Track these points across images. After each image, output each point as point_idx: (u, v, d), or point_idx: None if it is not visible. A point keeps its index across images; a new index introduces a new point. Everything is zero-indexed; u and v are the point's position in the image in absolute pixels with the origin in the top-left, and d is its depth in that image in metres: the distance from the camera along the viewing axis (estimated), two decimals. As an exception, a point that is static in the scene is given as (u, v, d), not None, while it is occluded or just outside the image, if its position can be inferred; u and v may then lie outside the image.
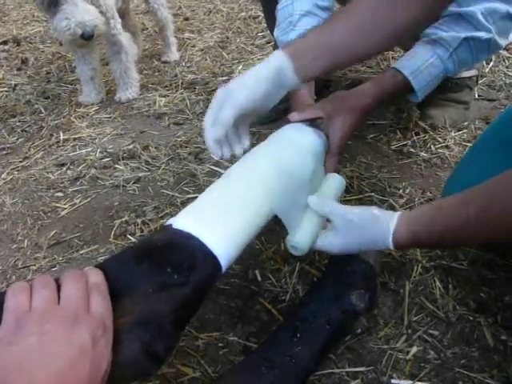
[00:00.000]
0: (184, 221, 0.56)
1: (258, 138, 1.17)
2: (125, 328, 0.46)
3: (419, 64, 0.89)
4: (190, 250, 0.52)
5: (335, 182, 0.72)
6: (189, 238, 0.53)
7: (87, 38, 1.20)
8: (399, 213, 0.60)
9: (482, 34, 0.88)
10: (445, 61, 0.89)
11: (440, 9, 0.73)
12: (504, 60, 1.42)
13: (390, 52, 1.54)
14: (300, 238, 0.63)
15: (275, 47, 1.24)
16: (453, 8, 0.89)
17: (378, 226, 0.60)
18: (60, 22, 1.18)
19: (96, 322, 0.44)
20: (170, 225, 0.56)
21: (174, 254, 0.52)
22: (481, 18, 0.86)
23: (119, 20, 1.44)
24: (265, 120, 1.24)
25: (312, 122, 0.75)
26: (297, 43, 0.70)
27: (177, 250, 0.52)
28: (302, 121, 0.74)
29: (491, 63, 1.40)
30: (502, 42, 0.91)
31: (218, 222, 0.57)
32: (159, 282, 0.49)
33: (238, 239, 0.58)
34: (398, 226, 0.59)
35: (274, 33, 0.99)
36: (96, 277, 0.48)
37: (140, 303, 0.48)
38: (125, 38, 1.45)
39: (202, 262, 0.52)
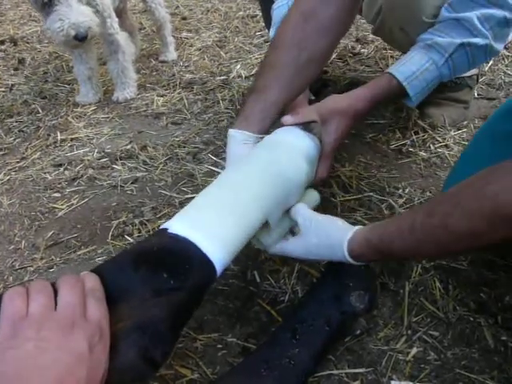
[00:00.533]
0: (179, 225, 0.57)
1: (256, 138, 1.17)
2: (122, 333, 0.46)
3: (414, 69, 0.89)
4: (186, 255, 0.53)
5: (311, 197, 0.73)
6: (184, 242, 0.54)
7: (80, 39, 1.19)
8: (358, 226, 0.63)
9: (479, 40, 0.87)
10: (440, 66, 0.89)
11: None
12: (503, 59, 1.42)
13: (389, 51, 1.54)
14: (266, 239, 0.67)
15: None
16: (449, 14, 0.88)
17: (336, 231, 0.63)
18: (53, 23, 1.17)
19: (93, 327, 0.44)
20: (166, 229, 0.56)
21: (169, 258, 0.52)
22: (477, 23, 0.86)
23: (116, 19, 1.43)
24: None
25: (305, 126, 0.74)
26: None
27: (172, 255, 0.52)
28: (296, 124, 0.74)
29: (491, 62, 1.39)
30: (499, 48, 0.90)
31: (212, 226, 0.58)
32: (155, 287, 0.49)
33: (232, 243, 0.58)
34: (354, 234, 0.61)
35: (270, 33, 0.99)
36: (92, 282, 0.48)
37: (136, 308, 0.48)
38: (122, 37, 1.44)
39: (197, 267, 0.53)
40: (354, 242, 0.60)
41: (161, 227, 0.58)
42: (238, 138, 0.74)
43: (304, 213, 0.66)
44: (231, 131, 0.76)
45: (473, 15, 0.86)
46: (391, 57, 1.50)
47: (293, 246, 0.66)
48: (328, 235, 0.62)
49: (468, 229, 0.49)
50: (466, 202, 0.49)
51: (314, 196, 0.74)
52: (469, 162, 0.76)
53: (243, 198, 0.62)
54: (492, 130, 0.74)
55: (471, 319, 0.67)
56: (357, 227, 0.62)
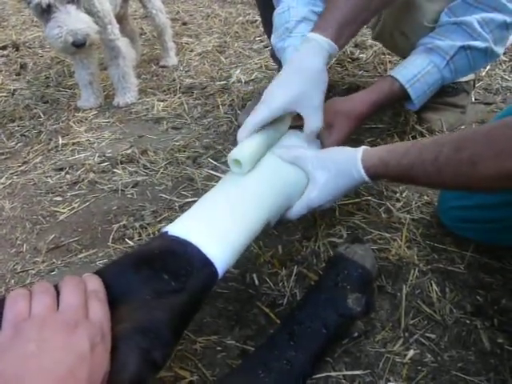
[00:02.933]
0: (181, 227, 0.57)
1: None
2: (123, 335, 0.46)
3: (416, 72, 0.90)
4: (187, 257, 0.53)
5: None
6: (186, 244, 0.54)
7: (78, 46, 1.20)
8: (364, 146, 0.64)
9: (479, 43, 0.88)
10: (441, 69, 0.90)
11: None
12: (501, 64, 1.43)
13: (387, 56, 1.55)
14: (238, 150, 0.66)
15: (272, 52, 1.25)
16: (449, 18, 0.89)
17: (345, 153, 0.64)
18: (52, 30, 1.19)
19: (94, 328, 0.44)
20: (167, 232, 0.57)
21: (171, 260, 0.52)
22: (477, 27, 0.87)
23: (117, 25, 1.44)
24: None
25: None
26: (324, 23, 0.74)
27: (174, 257, 0.53)
28: (298, 127, 0.75)
29: (488, 67, 1.41)
30: (499, 51, 0.91)
31: (214, 228, 0.58)
32: (157, 289, 0.50)
33: (234, 245, 0.58)
34: (365, 154, 0.61)
35: (271, 39, 1.00)
36: (94, 283, 0.49)
37: (138, 310, 0.48)
38: (122, 43, 1.46)
39: (198, 269, 0.53)
40: (367, 162, 0.61)
41: (162, 230, 0.58)
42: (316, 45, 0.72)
43: (307, 156, 0.66)
44: (311, 34, 0.74)
45: (473, 19, 0.87)
46: (389, 62, 1.52)
47: (308, 198, 0.66)
48: (339, 162, 0.63)
49: (497, 170, 0.49)
50: (498, 143, 0.49)
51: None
52: None
53: (245, 200, 0.63)
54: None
55: (468, 322, 0.68)
56: (363, 147, 0.63)
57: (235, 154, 0.65)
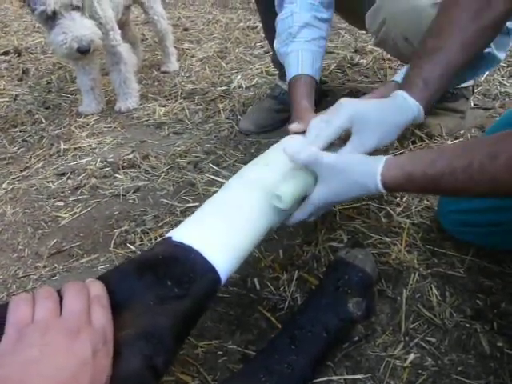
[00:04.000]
0: (184, 233, 0.57)
1: (256, 148, 1.19)
2: (126, 341, 0.46)
3: None
4: (190, 263, 0.53)
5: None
6: (189, 250, 0.54)
7: (83, 52, 1.22)
8: (387, 156, 0.60)
9: None
10: None
11: None
12: (499, 69, 1.44)
13: (387, 61, 1.56)
14: (285, 188, 0.63)
15: (273, 57, 1.26)
16: None
17: (365, 166, 0.60)
18: (57, 36, 1.20)
19: (97, 333, 0.44)
20: (170, 237, 0.57)
21: (174, 266, 0.53)
22: None
23: (119, 31, 1.46)
24: (263, 129, 1.26)
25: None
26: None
27: (177, 263, 0.53)
28: (302, 132, 0.75)
29: (487, 72, 1.41)
30: (501, 57, 0.92)
31: (217, 234, 0.58)
32: (160, 295, 0.50)
33: (237, 252, 0.59)
34: (386, 165, 0.59)
35: (274, 44, 1.00)
36: (97, 289, 0.49)
37: (141, 316, 0.48)
38: (124, 48, 1.47)
39: (201, 275, 0.53)
40: (388, 173, 0.58)
41: (165, 236, 0.59)
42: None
43: (314, 155, 0.63)
44: (403, 93, 0.68)
45: None
46: (389, 67, 1.53)
47: (317, 195, 0.64)
48: (358, 172, 0.60)
49: None
50: None
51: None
52: None
53: (248, 206, 0.63)
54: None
55: (467, 325, 0.68)
56: (386, 158, 0.60)
57: (284, 192, 0.62)
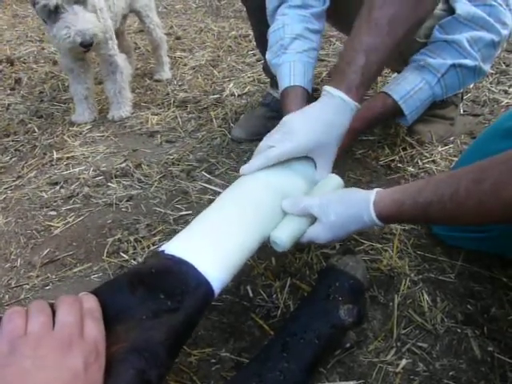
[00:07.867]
0: (177, 246, 0.57)
1: (249, 156, 1.19)
2: (119, 355, 0.46)
3: (409, 88, 0.92)
4: (183, 276, 0.53)
5: (332, 181, 0.73)
6: (181, 263, 0.54)
7: (86, 46, 1.23)
8: (378, 188, 0.62)
9: (468, 61, 0.91)
10: (433, 86, 0.93)
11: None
12: (488, 76, 1.46)
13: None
14: (280, 233, 0.64)
15: (265, 65, 1.27)
16: (440, 35, 0.92)
17: (357, 198, 0.62)
18: (60, 31, 1.21)
19: (89, 347, 0.45)
20: (163, 251, 0.57)
21: (166, 280, 0.53)
22: (467, 45, 0.90)
23: (116, 41, 1.47)
24: (255, 137, 1.27)
25: None
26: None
27: (169, 276, 0.53)
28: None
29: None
30: (487, 69, 0.94)
31: (210, 246, 0.58)
32: (152, 309, 0.50)
33: (230, 263, 0.59)
34: (378, 196, 0.60)
35: (266, 56, 1.01)
36: (90, 302, 0.49)
37: (134, 330, 0.48)
38: (121, 58, 1.48)
39: (194, 288, 0.53)
40: (380, 205, 0.59)
41: (158, 249, 0.59)
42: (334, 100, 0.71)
43: (309, 201, 0.65)
44: (329, 88, 0.72)
45: (462, 37, 0.90)
46: (379, 76, 1.54)
47: (316, 234, 0.65)
48: (350, 206, 0.62)
49: None
50: None
51: (336, 180, 0.73)
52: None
53: (241, 218, 0.63)
54: (485, 148, 0.74)
55: (459, 331, 0.69)
56: (376, 189, 0.62)
57: (278, 237, 0.64)
